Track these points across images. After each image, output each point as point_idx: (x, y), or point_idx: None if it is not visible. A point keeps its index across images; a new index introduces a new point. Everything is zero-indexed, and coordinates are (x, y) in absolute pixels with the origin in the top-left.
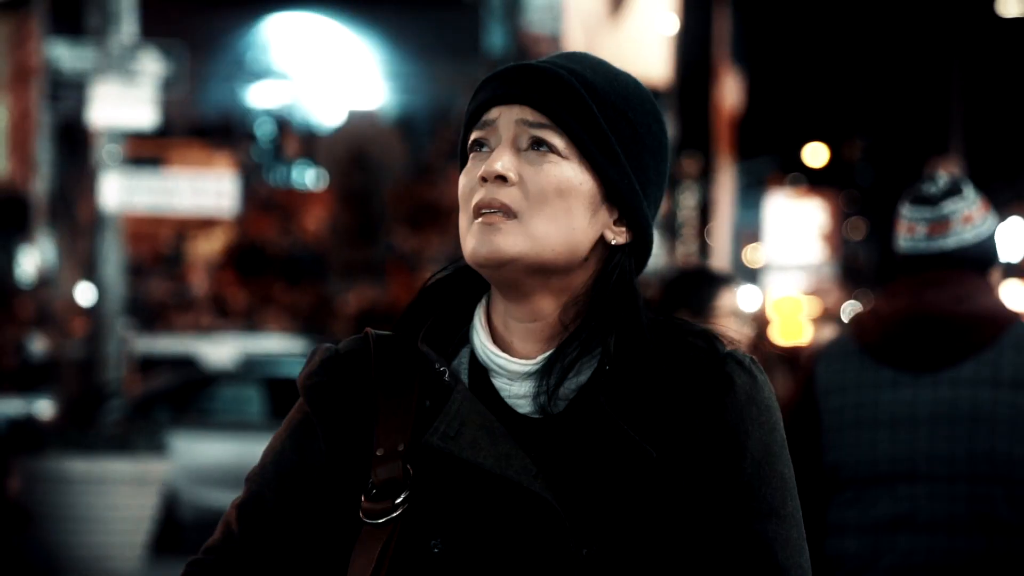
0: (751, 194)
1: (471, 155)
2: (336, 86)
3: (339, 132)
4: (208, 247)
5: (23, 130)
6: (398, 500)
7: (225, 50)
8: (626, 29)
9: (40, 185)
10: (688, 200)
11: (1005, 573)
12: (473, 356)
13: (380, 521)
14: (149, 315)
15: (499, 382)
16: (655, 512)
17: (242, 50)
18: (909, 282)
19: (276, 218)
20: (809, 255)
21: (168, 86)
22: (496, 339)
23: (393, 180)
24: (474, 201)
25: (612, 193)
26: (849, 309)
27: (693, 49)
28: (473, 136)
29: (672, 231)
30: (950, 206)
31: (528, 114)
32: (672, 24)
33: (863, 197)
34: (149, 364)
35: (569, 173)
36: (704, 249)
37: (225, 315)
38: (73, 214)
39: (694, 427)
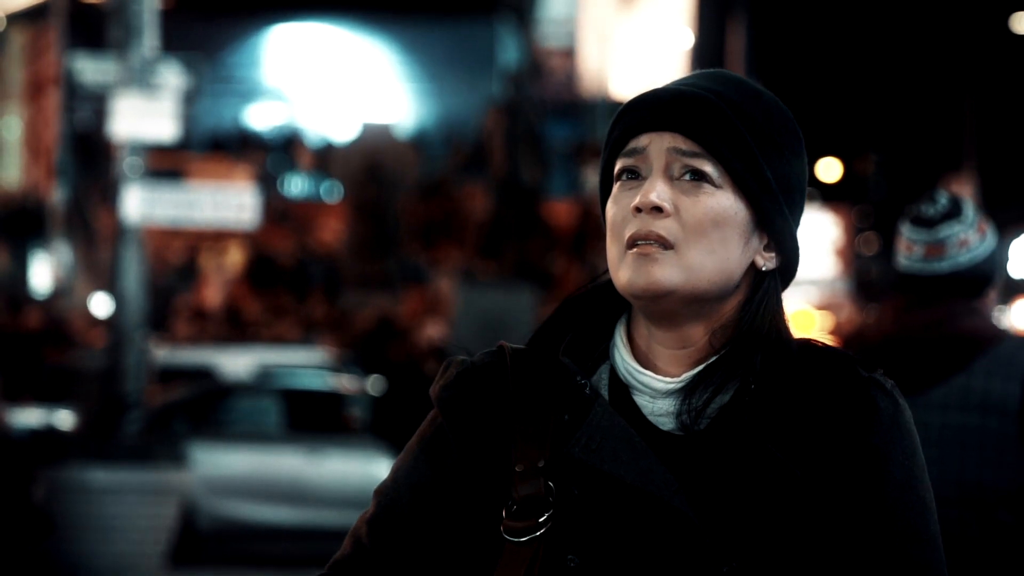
0: None
1: (618, 183)
2: (350, 98)
3: (353, 145)
4: (222, 260)
5: (43, 140)
6: (542, 519)
7: (238, 62)
8: (641, 43)
9: (57, 195)
10: None
11: None
12: (613, 373)
13: (524, 539)
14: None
15: (641, 399)
16: (796, 533)
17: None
18: (897, 303)
19: (290, 230)
20: (822, 270)
21: (188, 99)
22: (638, 358)
23: (407, 193)
24: (628, 232)
25: (764, 220)
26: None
27: (707, 63)
28: (621, 164)
29: None
30: (947, 230)
31: (680, 142)
32: (687, 38)
33: (876, 212)
34: (168, 375)
35: (725, 203)
36: None
37: (240, 327)
38: (88, 224)
39: (837, 450)
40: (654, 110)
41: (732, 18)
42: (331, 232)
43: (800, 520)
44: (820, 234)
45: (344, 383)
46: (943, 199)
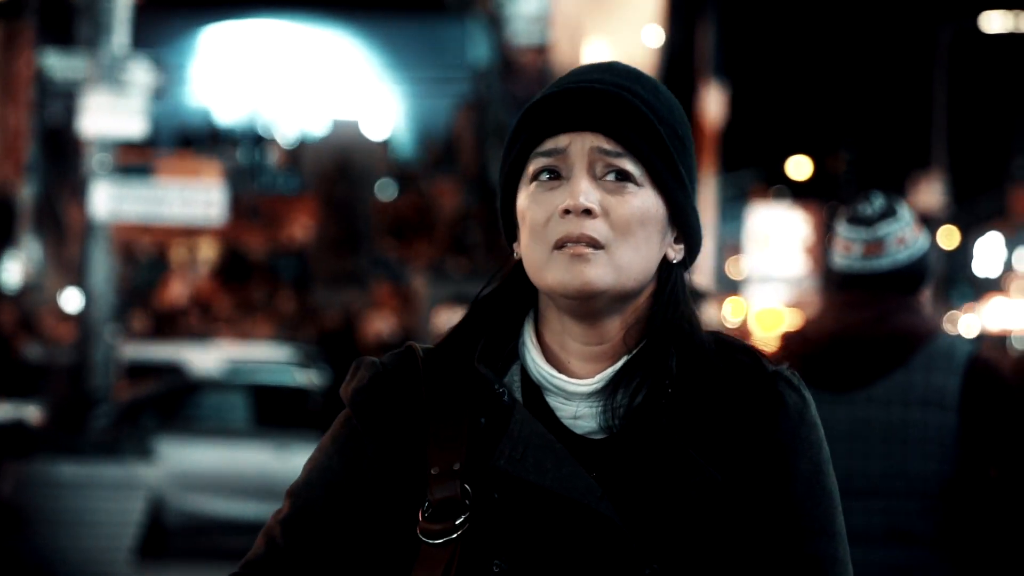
0: (734, 206)
1: (536, 183)
2: (320, 95)
3: (324, 141)
4: (191, 255)
5: (16, 136)
6: (458, 520)
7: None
8: (611, 41)
9: (27, 191)
10: None
11: None
12: (524, 373)
13: (440, 541)
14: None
15: (554, 401)
16: (715, 532)
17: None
18: (834, 302)
19: (261, 226)
20: (792, 268)
21: (157, 96)
22: (548, 358)
23: (377, 189)
24: (557, 233)
25: (677, 214)
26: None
27: (677, 62)
28: (539, 164)
29: None
30: (885, 228)
31: (603, 142)
32: (657, 37)
33: None
34: (136, 371)
35: (648, 202)
36: None
37: (209, 323)
38: (58, 220)
39: (748, 446)
40: (573, 109)
41: (702, 16)
42: (302, 228)
43: (719, 519)
44: (790, 232)
45: (312, 379)
46: (879, 199)
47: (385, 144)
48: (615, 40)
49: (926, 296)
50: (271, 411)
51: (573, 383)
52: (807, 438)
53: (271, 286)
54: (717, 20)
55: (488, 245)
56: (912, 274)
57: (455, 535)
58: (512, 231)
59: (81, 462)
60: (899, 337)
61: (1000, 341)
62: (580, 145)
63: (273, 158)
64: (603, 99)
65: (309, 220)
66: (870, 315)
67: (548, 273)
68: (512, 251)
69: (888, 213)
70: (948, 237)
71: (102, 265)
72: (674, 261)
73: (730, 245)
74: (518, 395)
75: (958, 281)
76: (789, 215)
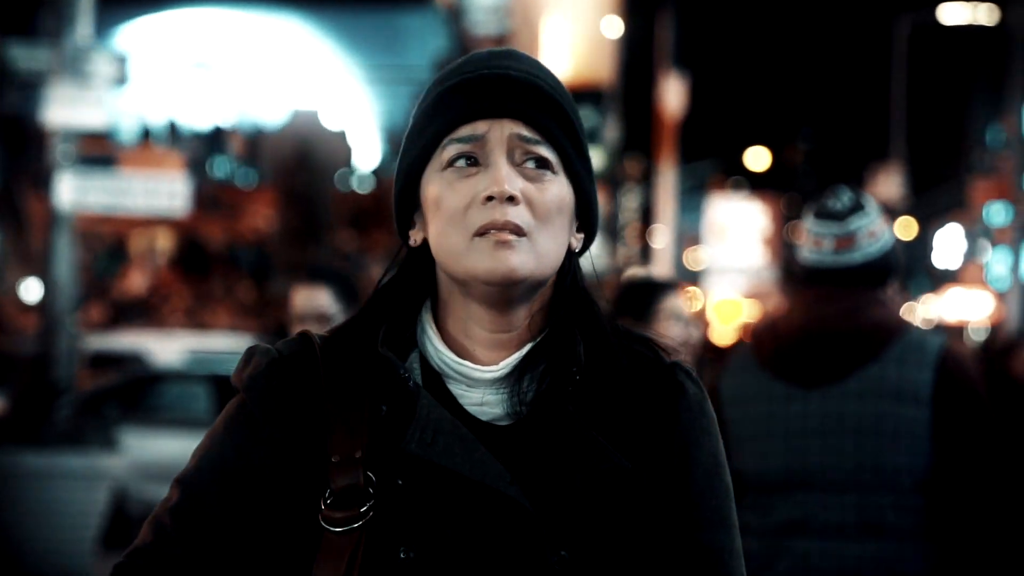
0: (693, 197)
1: (451, 169)
2: (280, 85)
3: (283, 131)
4: (151, 245)
5: None
6: (363, 508)
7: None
8: (571, 31)
9: None
10: (630, 202)
11: (893, 574)
12: (424, 360)
13: (343, 529)
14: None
15: (456, 388)
16: (623, 519)
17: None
18: (805, 297)
19: (220, 217)
20: (750, 258)
21: (120, 87)
22: (450, 345)
23: (338, 180)
24: (479, 220)
25: (584, 203)
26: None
27: (636, 53)
28: (456, 150)
29: (614, 233)
30: (856, 222)
31: (523, 129)
32: (616, 28)
33: (804, 201)
34: (99, 361)
35: (564, 190)
36: (646, 251)
37: (169, 313)
38: (18, 211)
39: (650, 436)
40: (491, 96)
41: (661, 8)
42: (261, 218)
43: (627, 506)
44: (749, 223)
45: None
46: (846, 194)
47: (344, 134)
48: (574, 31)
49: (894, 289)
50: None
51: (478, 369)
52: (707, 429)
53: (230, 277)
54: (676, 11)
55: None
56: (882, 267)
57: (359, 523)
58: (407, 218)
59: (44, 453)
60: (871, 331)
61: (958, 332)
62: (499, 132)
63: (232, 149)
64: (520, 87)
65: (269, 211)
66: (842, 310)
67: (468, 260)
68: (405, 239)
69: (857, 208)
70: (906, 228)
71: (66, 256)
72: (576, 250)
73: (689, 236)
74: (419, 382)
75: (916, 272)
76: (747, 206)
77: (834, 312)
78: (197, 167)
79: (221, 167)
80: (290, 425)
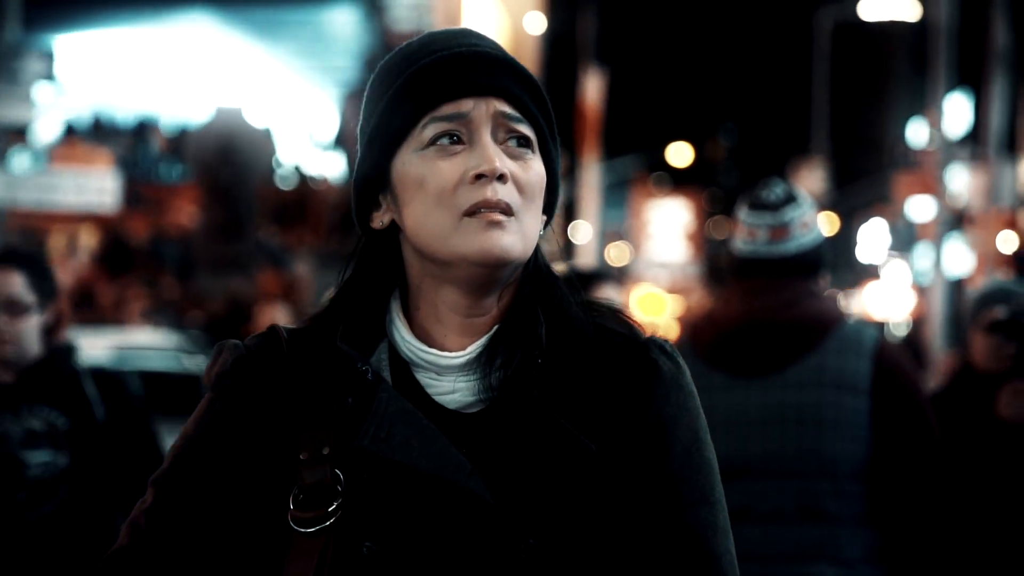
0: (616, 193)
1: (435, 147)
2: (204, 82)
3: (207, 128)
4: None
5: None
6: (331, 508)
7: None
8: (493, 28)
9: None
10: None
11: (833, 561)
12: (393, 351)
13: (313, 530)
14: None
15: (424, 377)
16: (592, 503)
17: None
18: (741, 288)
19: (144, 213)
20: (673, 254)
21: (47, 83)
22: (418, 333)
23: (261, 176)
24: (471, 200)
25: (552, 183)
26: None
27: (559, 49)
28: (439, 128)
29: None
30: (790, 213)
31: (506, 107)
32: (538, 24)
33: (726, 196)
34: None
35: (541, 169)
36: (569, 247)
37: (93, 309)
38: None
39: (623, 415)
40: (474, 74)
41: (583, 3)
42: (185, 215)
43: (595, 490)
44: (671, 218)
45: (200, 365)
46: (779, 186)
47: (268, 131)
48: (495, 27)
49: (825, 282)
50: (157, 397)
51: (444, 356)
52: (684, 404)
53: (154, 273)
54: (597, 7)
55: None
56: (815, 259)
57: (327, 523)
58: (370, 201)
59: None
60: (809, 323)
61: (878, 327)
62: (483, 109)
63: (156, 145)
64: (499, 64)
65: (192, 207)
66: (779, 301)
67: (457, 241)
68: (366, 222)
69: (791, 199)
70: (828, 223)
71: None
72: (540, 232)
73: (611, 231)
74: (386, 374)
75: (839, 267)
76: (670, 201)
77: (772, 303)
78: (121, 163)
79: (145, 163)
80: (258, 422)
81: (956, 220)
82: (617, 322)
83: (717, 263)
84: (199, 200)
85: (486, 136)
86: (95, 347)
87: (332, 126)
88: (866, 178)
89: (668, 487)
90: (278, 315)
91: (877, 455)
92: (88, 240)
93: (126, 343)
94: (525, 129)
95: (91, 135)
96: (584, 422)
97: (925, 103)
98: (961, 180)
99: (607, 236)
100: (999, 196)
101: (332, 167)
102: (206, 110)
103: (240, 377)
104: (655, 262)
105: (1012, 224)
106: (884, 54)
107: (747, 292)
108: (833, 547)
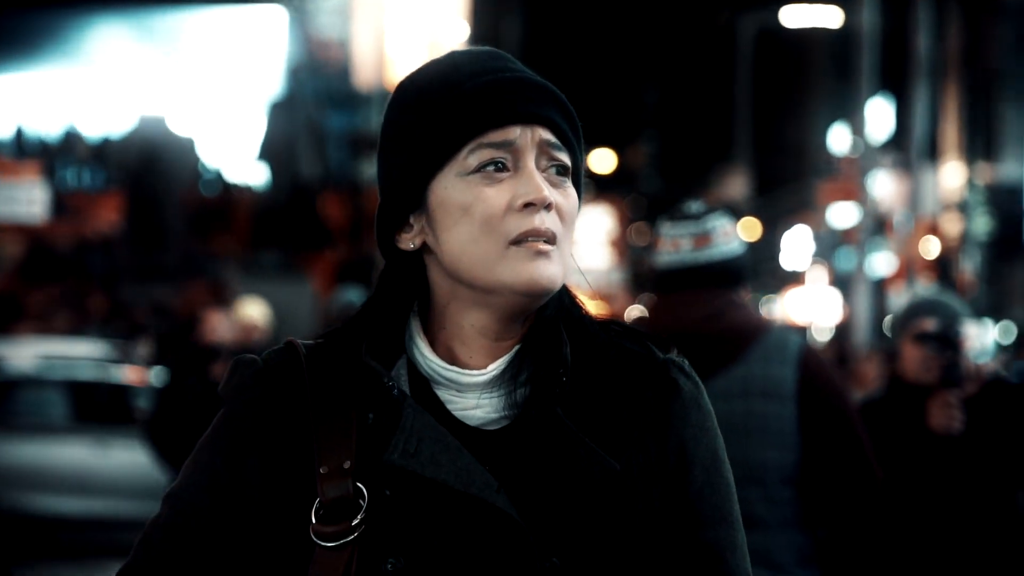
0: None
1: (480, 173)
2: (127, 90)
3: (130, 136)
4: None
5: None
6: (355, 522)
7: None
8: (416, 34)
9: None
10: None
11: (765, 565)
12: (412, 367)
13: (336, 544)
14: None
15: (445, 394)
16: (614, 522)
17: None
18: (666, 301)
19: (68, 222)
20: (596, 260)
21: None
22: (438, 351)
23: (184, 184)
24: (519, 228)
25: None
26: (635, 314)
27: None
28: (486, 155)
29: None
30: (712, 221)
31: (550, 135)
32: (462, 30)
33: (649, 203)
34: None
35: (576, 198)
36: None
37: (19, 318)
38: None
39: (644, 435)
40: (521, 101)
41: (506, 10)
42: (108, 223)
43: (618, 509)
44: (594, 225)
45: (128, 374)
46: (696, 201)
47: (192, 139)
48: (419, 34)
49: (747, 293)
50: (87, 407)
51: (467, 374)
52: (703, 424)
53: (79, 282)
54: (521, 13)
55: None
56: (737, 268)
57: (351, 537)
58: (398, 221)
59: None
60: (734, 333)
61: (801, 333)
62: (529, 137)
63: (79, 154)
64: (542, 92)
65: (116, 216)
66: (704, 313)
67: (503, 269)
68: (389, 241)
69: (710, 210)
70: (751, 229)
71: None
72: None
73: None
74: (405, 389)
75: (762, 273)
76: (592, 208)
77: (696, 316)
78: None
79: (69, 173)
80: (277, 436)
81: (878, 226)
82: (635, 341)
83: (640, 269)
84: (122, 208)
85: (531, 164)
86: (22, 356)
87: (257, 134)
88: (789, 184)
89: (688, 507)
90: (224, 321)
91: (806, 461)
92: (14, 249)
93: (53, 352)
94: (565, 158)
95: (15, 149)
96: (606, 441)
97: (847, 110)
98: (883, 186)
99: None
100: (921, 202)
101: (255, 175)
102: (129, 118)
103: (258, 391)
104: (578, 268)
105: (934, 230)
106: (806, 61)
107: (672, 306)
108: (765, 552)
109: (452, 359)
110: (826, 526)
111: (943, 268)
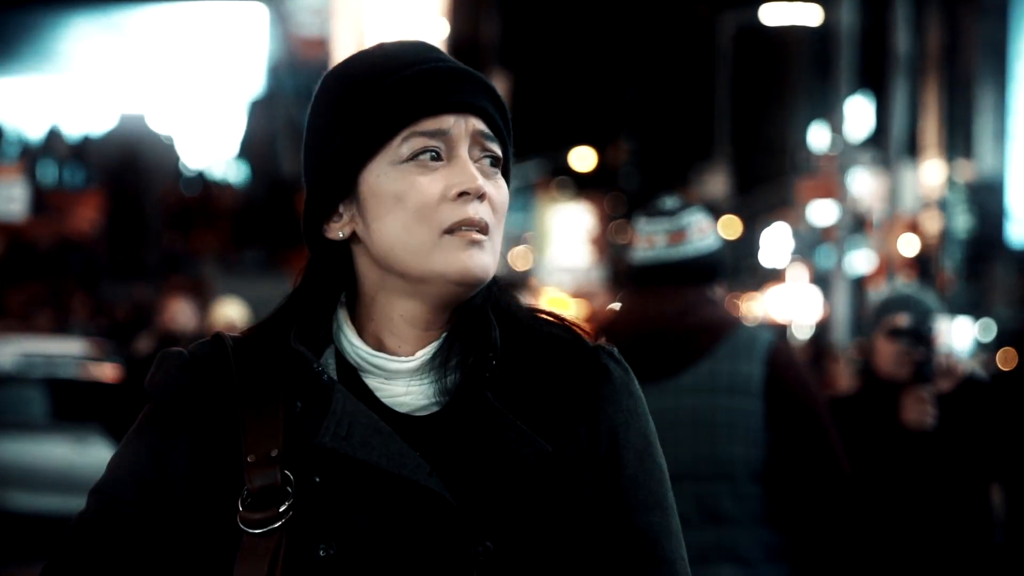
0: (519, 197)
1: (414, 162)
2: (106, 87)
3: (110, 135)
4: None
5: None
6: (282, 508)
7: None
8: (395, 33)
9: None
10: None
11: (733, 561)
12: (340, 356)
13: (263, 530)
14: None
15: (373, 382)
16: (548, 506)
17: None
18: (640, 296)
19: (49, 220)
20: (577, 258)
21: None
22: (366, 339)
23: (164, 182)
24: (453, 217)
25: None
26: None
27: (462, 53)
28: (420, 143)
29: None
30: (687, 217)
31: (483, 126)
32: (440, 29)
33: (629, 201)
34: None
35: (506, 188)
36: None
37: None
38: None
39: (576, 420)
40: (456, 91)
41: (485, 9)
42: (89, 222)
43: (551, 493)
44: (575, 223)
45: (108, 372)
46: (672, 197)
47: (171, 137)
48: (398, 32)
49: (722, 289)
50: (66, 405)
51: (396, 360)
52: (635, 410)
53: (58, 280)
54: (500, 12)
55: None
56: (712, 264)
57: (278, 523)
58: (326, 211)
59: None
60: (702, 329)
61: (781, 331)
62: (463, 127)
63: (59, 152)
64: (476, 82)
65: (96, 214)
66: (674, 309)
67: (437, 258)
68: (316, 231)
69: (686, 206)
70: (731, 227)
71: None
72: None
73: (514, 236)
74: (335, 377)
75: (742, 271)
76: (573, 206)
77: (667, 311)
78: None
79: (49, 171)
80: (204, 429)
81: (858, 224)
82: (563, 329)
83: (620, 267)
84: (102, 207)
85: (464, 154)
86: (2, 355)
87: (237, 132)
88: (769, 182)
89: (622, 492)
90: (184, 307)
91: (773, 457)
92: None
93: (33, 351)
94: (497, 149)
95: None
96: (538, 425)
97: (827, 108)
98: (863, 184)
99: (510, 241)
100: (901, 199)
101: (236, 173)
102: (109, 117)
103: (185, 382)
104: (559, 266)
105: (914, 227)
106: (786, 59)
107: (645, 300)
108: (733, 548)
109: (380, 348)
110: (794, 523)
111: (923, 266)
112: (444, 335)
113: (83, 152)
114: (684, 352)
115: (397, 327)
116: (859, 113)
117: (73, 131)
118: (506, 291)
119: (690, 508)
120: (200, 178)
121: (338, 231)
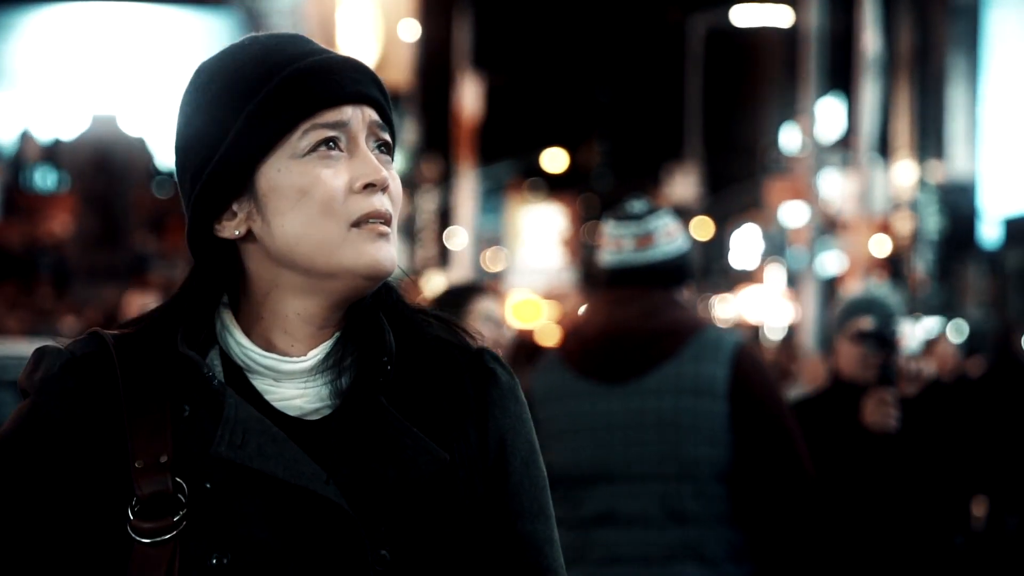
0: (491, 199)
1: (315, 154)
2: (77, 89)
3: (82, 136)
4: None
5: None
6: (176, 517)
7: None
8: (367, 35)
9: None
10: (428, 204)
11: (698, 561)
12: (225, 357)
13: (157, 540)
14: None
15: (262, 384)
16: (445, 513)
17: None
18: (606, 299)
19: (19, 222)
20: (549, 259)
21: None
22: (256, 342)
23: (137, 184)
24: (360, 210)
25: None
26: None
27: (434, 55)
28: (321, 134)
29: (411, 235)
30: (654, 221)
31: (376, 116)
32: (413, 30)
33: (601, 202)
34: None
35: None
36: (444, 253)
37: None
38: None
39: (466, 423)
40: (350, 82)
41: (458, 10)
42: (60, 223)
43: (447, 499)
44: (546, 224)
45: None
46: (640, 201)
47: (143, 138)
48: (370, 34)
49: (690, 291)
50: None
51: (288, 361)
52: (520, 416)
53: (29, 282)
54: (472, 13)
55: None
56: (679, 268)
57: (171, 533)
58: (218, 210)
59: None
60: (668, 331)
61: (753, 332)
62: (360, 117)
63: (30, 154)
64: (367, 73)
65: (68, 216)
66: (640, 311)
67: (346, 252)
68: (205, 231)
69: (653, 209)
70: (702, 228)
71: None
72: None
73: (486, 237)
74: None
75: (713, 272)
76: (545, 207)
77: (633, 313)
78: None
79: (20, 172)
80: (87, 430)
81: (829, 225)
82: (447, 330)
83: (592, 268)
84: (74, 209)
85: (363, 145)
86: None
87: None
88: (739, 183)
89: (508, 498)
90: (149, 301)
91: (737, 458)
92: None
93: (5, 353)
94: (388, 137)
95: None
96: (431, 430)
97: (798, 109)
98: (833, 185)
99: (483, 242)
100: (871, 201)
101: None
102: (81, 118)
103: (68, 382)
104: (531, 267)
105: (885, 228)
106: (757, 60)
107: (612, 302)
108: (697, 547)
109: (270, 348)
110: (758, 523)
111: (895, 267)
112: (337, 334)
113: (55, 154)
114: (650, 354)
115: (291, 325)
116: (830, 114)
117: (44, 135)
118: (391, 288)
119: (655, 508)
120: (173, 180)
121: (233, 230)
